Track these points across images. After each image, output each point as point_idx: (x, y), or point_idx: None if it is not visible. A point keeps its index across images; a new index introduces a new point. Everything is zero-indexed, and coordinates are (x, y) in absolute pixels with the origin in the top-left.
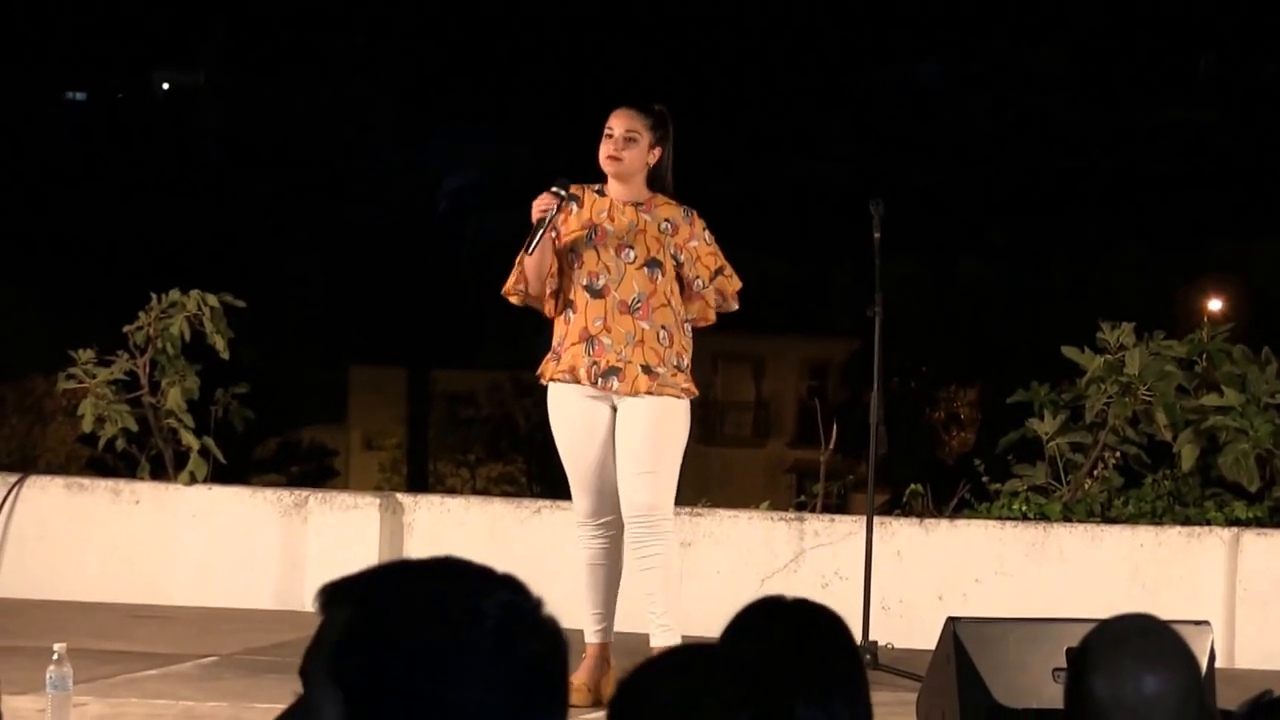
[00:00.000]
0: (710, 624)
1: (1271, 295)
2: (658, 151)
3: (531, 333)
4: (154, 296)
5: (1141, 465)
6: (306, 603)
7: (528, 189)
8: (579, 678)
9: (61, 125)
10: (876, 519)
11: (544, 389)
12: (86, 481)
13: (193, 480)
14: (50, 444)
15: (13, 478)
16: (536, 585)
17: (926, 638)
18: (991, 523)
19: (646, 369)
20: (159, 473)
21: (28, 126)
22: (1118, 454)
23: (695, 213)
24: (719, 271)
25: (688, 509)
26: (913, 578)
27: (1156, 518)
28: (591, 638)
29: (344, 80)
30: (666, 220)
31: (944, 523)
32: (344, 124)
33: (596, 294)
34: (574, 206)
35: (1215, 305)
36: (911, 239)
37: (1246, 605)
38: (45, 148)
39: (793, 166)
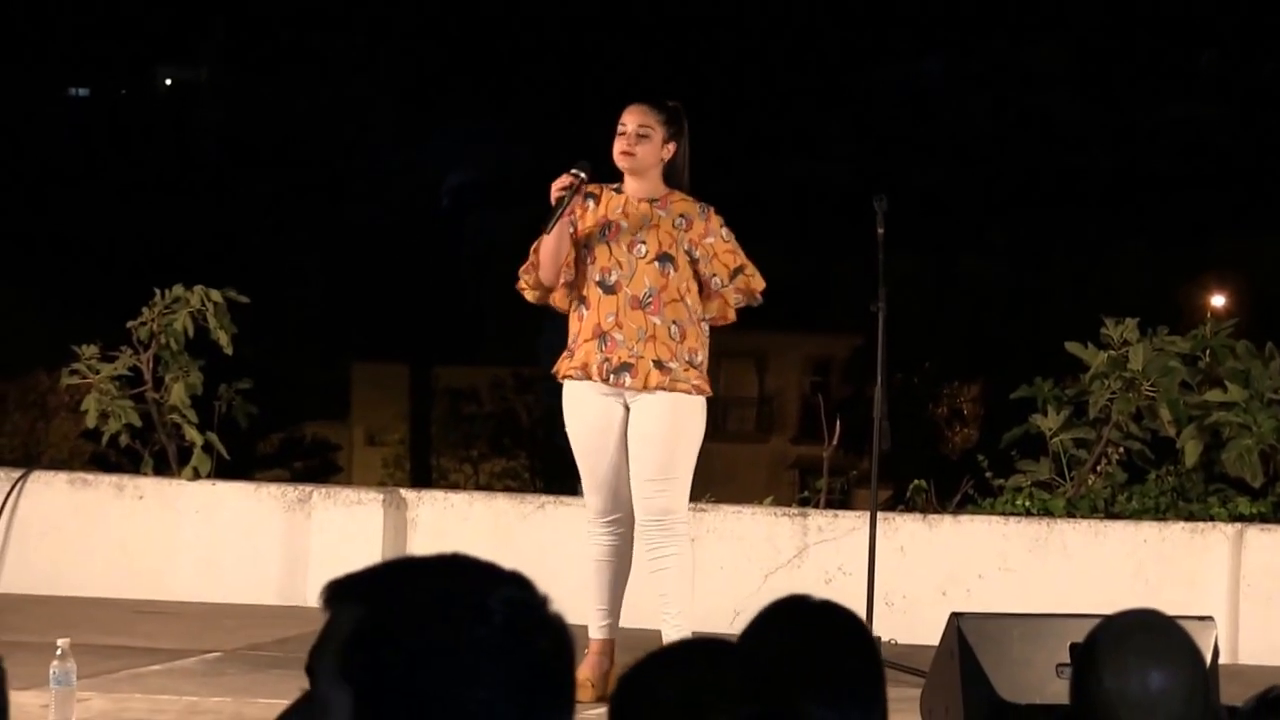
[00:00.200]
0: (714, 619)
1: (1274, 291)
2: (672, 147)
3: (533, 331)
4: (158, 292)
5: (1145, 461)
6: (310, 598)
7: (528, 187)
8: (583, 673)
9: (64, 122)
10: (880, 514)
11: (545, 385)
12: (90, 477)
13: (196, 476)
14: (53, 440)
15: (16, 473)
16: (541, 581)
17: (930, 633)
18: (995, 518)
19: (659, 364)
20: (163, 468)
21: (30, 123)
22: (1121, 450)
23: (712, 209)
24: (739, 270)
25: (691, 505)
26: (916, 573)
27: (1160, 513)
28: (596, 633)
29: (346, 78)
30: (681, 216)
31: (947, 518)
32: (346, 121)
33: (609, 290)
34: (590, 203)
35: (1218, 301)
36: (914, 236)
37: (1250, 601)
38: (48, 144)
39: (794, 165)
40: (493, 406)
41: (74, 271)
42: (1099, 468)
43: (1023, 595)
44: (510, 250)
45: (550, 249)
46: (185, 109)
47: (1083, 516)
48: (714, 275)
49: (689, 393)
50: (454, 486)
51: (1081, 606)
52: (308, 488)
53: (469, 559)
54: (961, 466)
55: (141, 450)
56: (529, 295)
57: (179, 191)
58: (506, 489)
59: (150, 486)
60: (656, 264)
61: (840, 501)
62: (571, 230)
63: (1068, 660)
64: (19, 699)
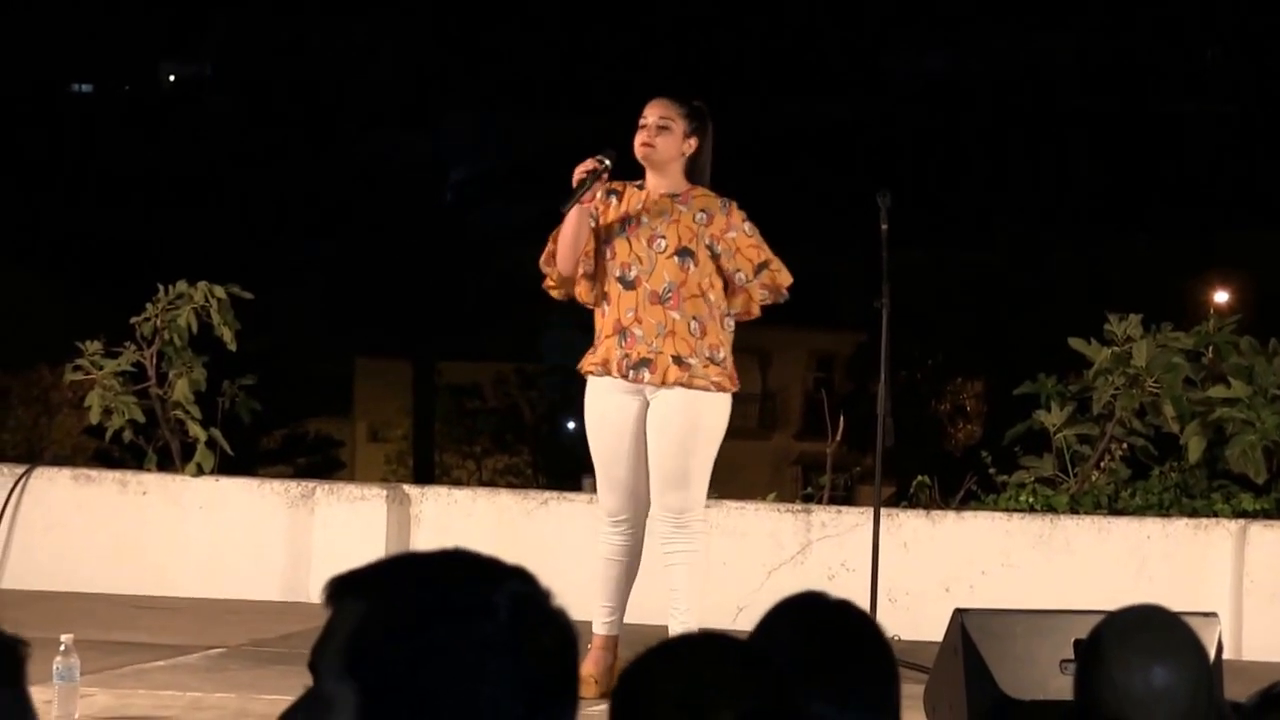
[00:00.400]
0: (717, 615)
1: (1278, 287)
2: (693, 142)
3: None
4: (161, 288)
5: (1149, 457)
6: (313, 594)
7: (533, 182)
8: (587, 669)
9: (68, 116)
10: (883, 511)
11: (548, 382)
12: (94, 473)
13: (200, 472)
14: (57, 436)
15: (20, 469)
16: (545, 577)
17: (933, 629)
18: (998, 514)
19: (678, 360)
20: (166, 464)
21: (34, 118)
22: (1125, 446)
23: (734, 204)
24: (764, 265)
25: None
26: (919, 569)
27: (1164, 509)
28: (600, 629)
29: (350, 72)
30: (702, 210)
31: (951, 514)
32: (350, 115)
33: (628, 285)
34: (614, 200)
35: (1221, 298)
36: (918, 231)
37: (1253, 597)
38: (51, 139)
39: (796, 160)
40: (496, 402)
41: (77, 267)
42: (1102, 464)
43: (1026, 591)
44: (512, 248)
45: (569, 236)
46: (190, 102)
47: (1086, 513)
48: (738, 270)
49: (708, 389)
50: (457, 483)
51: (1085, 603)
52: (311, 484)
53: (471, 554)
54: (965, 463)
55: (145, 446)
56: (554, 292)
57: (182, 187)
58: (509, 485)
59: (154, 482)
60: (676, 259)
61: (843, 498)
62: (593, 223)
63: (1072, 656)
64: None
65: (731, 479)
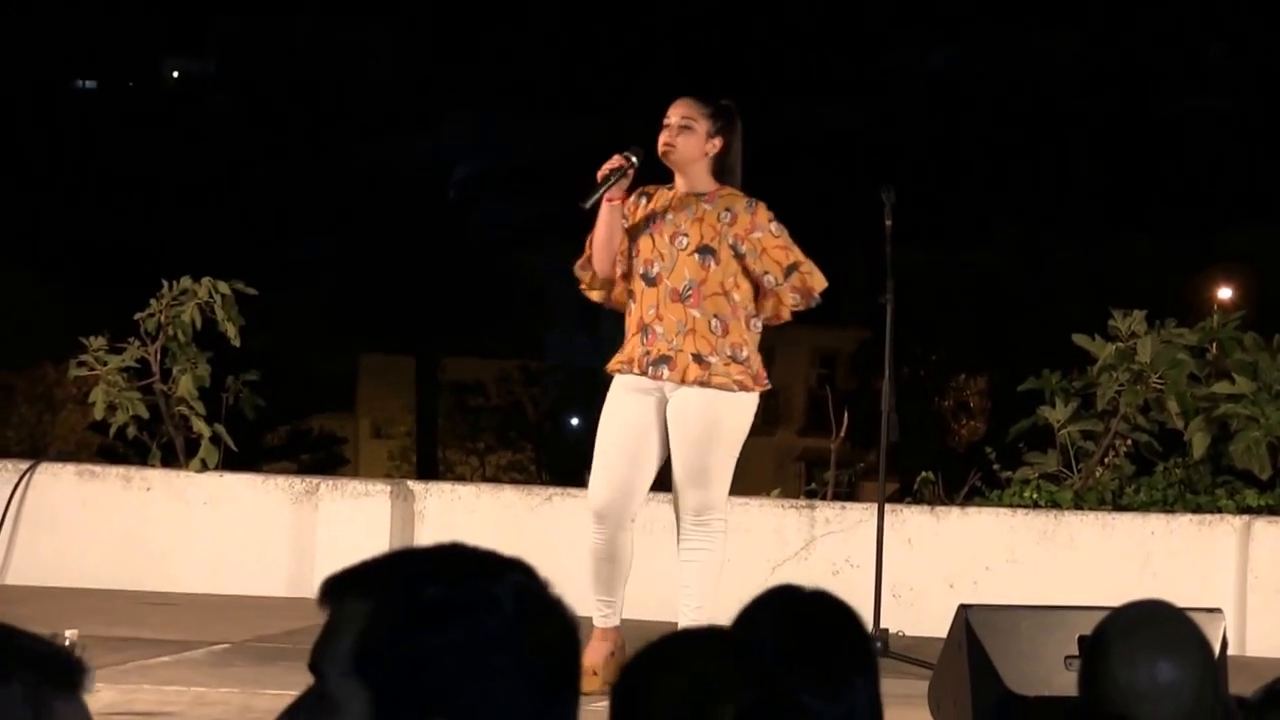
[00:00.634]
0: (721, 611)
1: None
2: (718, 142)
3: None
4: (165, 284)
5: (1153, 453)
6: (318, 590)
7: (536, 179)
8: (587, 660)
9: (72, 114)
10: (887, 507)
11: (551, 379)
12: (98, 469)
13: (204, 467)
14: (60, 432)
15: (24, 465)
16: (549, 572)
17: (937, 625)
18: (1003, 510)
19: (698, 358)
20: (170, 460)
21: (38, 116)
22: (1129, 442)
23: (762, 204)
24: (793, 268)
25: None
26: (924, 565)
27: (1168, 506)
28: (599, 623)
29: (354, 69)
30: (727, 209)
31: (955, 510)
32: (354, 112)
33: (650, 282)
34: (644, 201)
35: (1225, 294)
36: (922, 228)
37: (1258, 593)
38: (56, 137)
39: (800, 156)
40: (499, 399)
41: (81, 263)
42: (1106, 460)
43: (1030, 587)
44: (514, 246)
45: (602, 236)
46: (191, 102)
47: (1090, 509)
48: (766, 273)
49: (728, 388)
50: (460, 479)
51: (1089, 599)
52: (315, 479)
53: (468, 548)
54: (969, 459)
55: (149, 442)
56: (593, 295)
57: (186, 183)
58: (512, 482)
59: (158, 478)
60: (696, 256)
61: (847, 494)
62: (625, 222)
63: (1076, 652)
64: None
65: (735, 475)
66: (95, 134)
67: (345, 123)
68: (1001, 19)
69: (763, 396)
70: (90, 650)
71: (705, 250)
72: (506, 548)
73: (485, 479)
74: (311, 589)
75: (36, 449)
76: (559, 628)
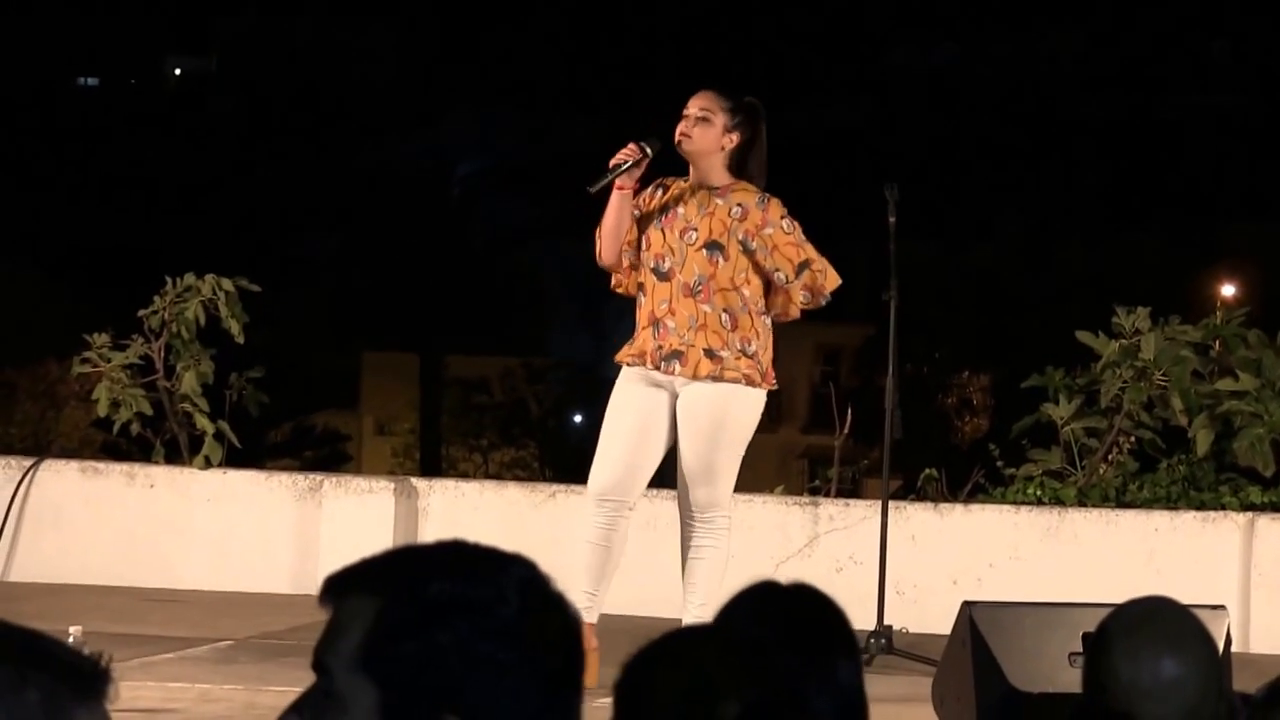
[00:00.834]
0: None
1: None
2: (735, 137)
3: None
4: (169, 281)
5: (1156, 450)
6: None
7: (540, 176)
8: None
9: (75, 112)
10: (891, 503)
11: (554, 376)
12: (101, 465)
13: (207, 464)
14: (63, 429)
15: (28, 462)
16: (553, 570)
17: (941, 622)
18: (1006, 507)
19: (709, 353)
20: (174, 457)
21: (41, 114)
22: (1132, 439)
23: (775, 200)
24: (805, 265)
25: None
26: (927, 562)
27: (1171, 502)
28: (584, 616)
29: (357, 65)
30: (739, 205)
31: (958, 507)
32: (357, 109)
33: (662, 276)
34: (659, 193)
35: (1229, 291)
36: (925, 224)
37: (1261, 590)
38: (59, 134)
39: (804, 153)
40: (503, 396)
41: (83, 261)
42: (1110, 457)
43: (1034, 584)
44: (518, 244)
45: (610, 225)
46: (193, 101)
47: (1094, 505)
48: (777, 270)
49: (739, 382)
50: (463, 476)
51: (1093, 595)
52: (319, 476)
53: (470, 544)
54: (972, 456)
55: (153, 439)
56: (618, 289)
57: (191, 177)
58: (516, 479)
59: (161, 475)
60: (705, 251)
61: (851, 491)
62: (636, 213)
63: (1080, 649)
64: None
65: (739, 472)
66: (98, 131)
67: (348, 121)
68: (1003, 18)
69: (769, 392)
70: (91, 647)
71: (713, 246)
72: (510, 545)
73: (488, 476)
74: (315, 586)
75: (40, 446)
76: (563, 623)
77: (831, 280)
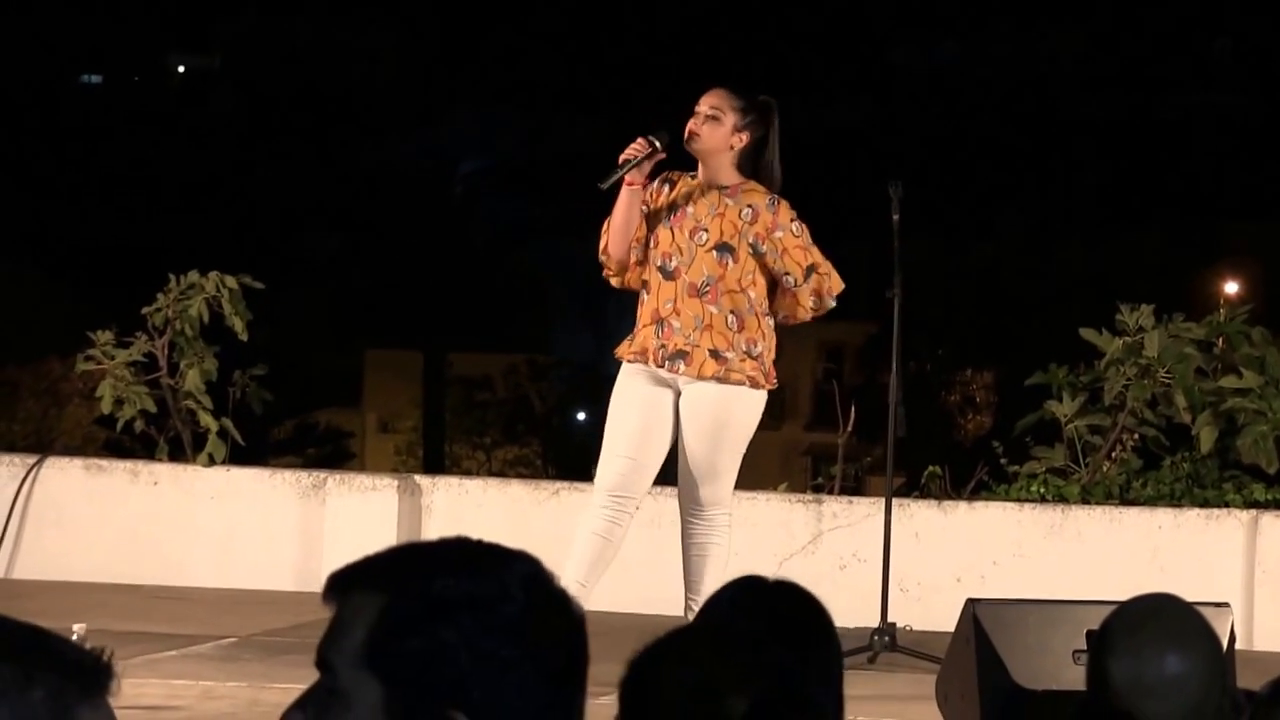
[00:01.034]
0: None
1: None
2: (744, 136)
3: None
4: (173, 278)
5: (1160, 447)
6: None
7: (541, 176)
8: None
9: (78, 110)
10: (895, 501)
11: (557, 373)
12: (105, 463)
13: (211, 461)
14: (66, 427)
15: (31, 459)
16: (557, 567)
17: (945, 620)
18: (1010, 505)
19: (715, 354)
20: (177, 454)
21: (45, 112)
22: (1136, 436)
23: (784, 202)
24: (812, 269)
25: None
26: (931, 560)
27: (1175, 500)
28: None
29: (360, 64)
30: (749, 206)
31: (962, 505)
32: (360, 108)
33: (668, 275)
34: (666, 188)
35: (1232, 288)
36: (929, 222)
37: (1265, 587)
38: (63, 132)
39: (807, 151)
40: (506, 394)
41: (86, 258)
42: (1114, 454)
43: (1038, 582)
44: (521, 241)
45: (619, 220)
46: (197, 98)
47: (1097, 503)
48: (786, 273)
49: (743, 384)
50: (466, 473)
51: (1097, 593)
52: (323, 474)
53: (473, 541)
54: (976, 453)
55: (156, 436)
56: (614, 280)
57: (195, 175)
58: (519, 476)
59: (165, 472)
60: (715, 253)
61: (854, 488)
62: (644, 209)
63: (1084, 646)
64: None
65: (741, 469)
66: (100, 129)
67: (350, 120)
68: (1004, 17)
69: (769, 392)
70: (95, 644)
71: (724, 248)
72: (513, 542)
73: (492, 473)
74: (319, 583)
75: (43, 443)
76: (567, 619)
77: (835, 283)
